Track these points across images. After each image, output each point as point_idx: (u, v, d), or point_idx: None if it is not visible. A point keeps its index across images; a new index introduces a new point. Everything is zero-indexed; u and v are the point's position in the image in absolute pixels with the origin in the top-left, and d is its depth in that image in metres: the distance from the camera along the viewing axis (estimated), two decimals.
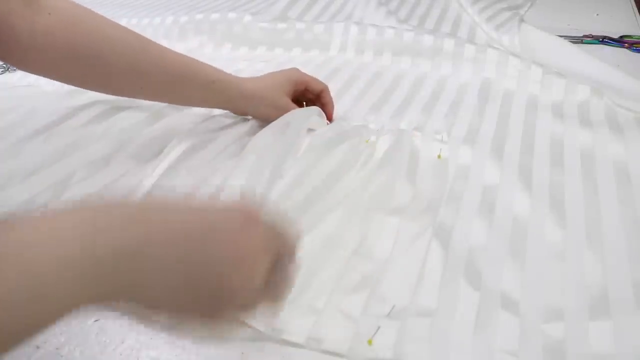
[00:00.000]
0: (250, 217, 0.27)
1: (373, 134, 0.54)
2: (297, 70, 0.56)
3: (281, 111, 0.54)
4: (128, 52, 0.49)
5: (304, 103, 0.58)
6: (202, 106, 0.56)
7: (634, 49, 0.75)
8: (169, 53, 0.51)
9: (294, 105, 0.55)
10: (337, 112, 0.58)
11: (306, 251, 0.40)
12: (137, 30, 0.51)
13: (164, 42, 0.74)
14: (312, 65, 0.71)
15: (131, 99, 0.56)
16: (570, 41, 0.75)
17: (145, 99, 0.55)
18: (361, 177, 0.48)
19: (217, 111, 0.57)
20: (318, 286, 0.38)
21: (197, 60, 0.52)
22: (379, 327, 0.35)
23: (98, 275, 0.23)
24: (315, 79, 0.57)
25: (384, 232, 0.42)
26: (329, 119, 0.57)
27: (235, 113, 0.56)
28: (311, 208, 0.44)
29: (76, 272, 0.23)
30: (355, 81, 0.67)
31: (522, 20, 0.82)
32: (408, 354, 0.33)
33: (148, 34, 0.77)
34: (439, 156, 0.51)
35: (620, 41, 0.77)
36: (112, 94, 0.55)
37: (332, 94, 0.58)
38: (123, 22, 0.80)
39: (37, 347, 0.34)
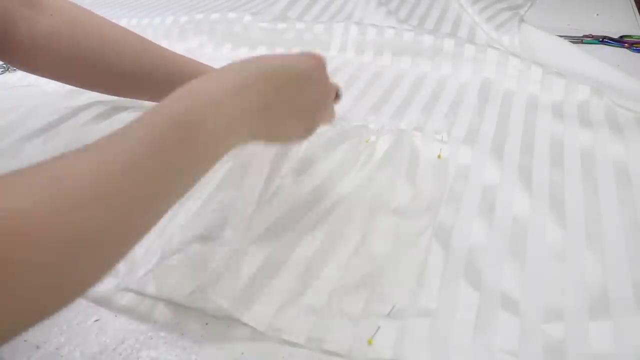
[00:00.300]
0: (324, 66, 0.40)
1: (373, 134, 0.54)
2: None
3: None
4: (129, 52, 0.49)
5: None
6: None
7: (634, 49, 0.75)
8: (169, 54, 0.51)
9: None
10: (337, 112, 0.58)
11: (306, 251, 0.40)
12: (137, 30, 0.51)
13: (164, 42, 0.74)
14: None
15: (131, 99, 0.56)
16: (570, 41, 0.75)
17: (146, 99, 0.55)
18: (361, 177, 0.48)
19: None
20: (318, 286, 0.38)
21: (197, 60, 0.52)
22: (379, 327, 0.35)
23: (251, 121, 0.32)
24: None
25: (384, 232, 0.42)
26: None
27: None
28: (312, 208, 0.44)
29: (238, 120, 0.31)
30: (355, 81, 0.67)
31: (522, 20, 0.82)
32: (408, 354, 0.34)
33: (148, 34, 0.78)
34: (439, 156, 0.51)
35: (620, 41, 0.77)
36: (113, 95, 0.55)
37: None
38: (123, 22, 0.80)
39: (37, 347, 0.34)
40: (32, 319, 0.23)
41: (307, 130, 0.39)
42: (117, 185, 0.24)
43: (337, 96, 0.43)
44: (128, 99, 0.56)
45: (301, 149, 0.50)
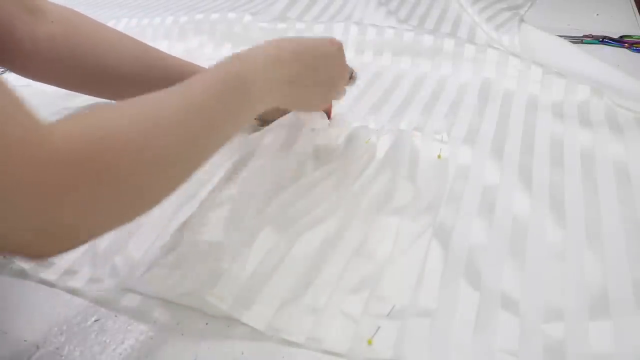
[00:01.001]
0: (343, 50, 0.47)
1: (373, 134, 0.54)
2: None
3: (282, 111, 0.54)
4: (128, 57, 0.49)
5: None
6: None
7: (634, 49, 0.75)
8: (167, 57, 0.52)
9: None
10: (337, 112, 0.58)
11: (306, 251, 0.40)
12: (137, 31, 0.52)
13: (164, 43, 0.74)
14: None
15: None
16: (570, 41, 0.75)
17: None
18: (361, 177, 0.48)
19: None
20: (318, 286, 0.38)
21: (195, 64, 0.53)
22: (379, 327, 0.35)
23: (282, 87, 0.40)
24: None
25: (385, 232, 0.42)
26: (329, 117, 0.57)
27: None
28: (312, 208, 0.44)
29: (273, 86, 0.39)
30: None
31: (522, 20, 0.82)
32: (408, 354, 0.34)
33: (148, 34, 0.78)
34: (439, 156, 0.51)
35: (620, 41, 0.77)
36: (112, 99, 0.55)
37: None
38: (123, 23, 0.80)
39: (37, 347, 0.34)
40: (117, 218, 0.28)
41: (325, 100, 0.48)
42: (192, 116, 0.32)
43: (352, 77, 0.49)
44: None
45: (303, 150, 0.50)
